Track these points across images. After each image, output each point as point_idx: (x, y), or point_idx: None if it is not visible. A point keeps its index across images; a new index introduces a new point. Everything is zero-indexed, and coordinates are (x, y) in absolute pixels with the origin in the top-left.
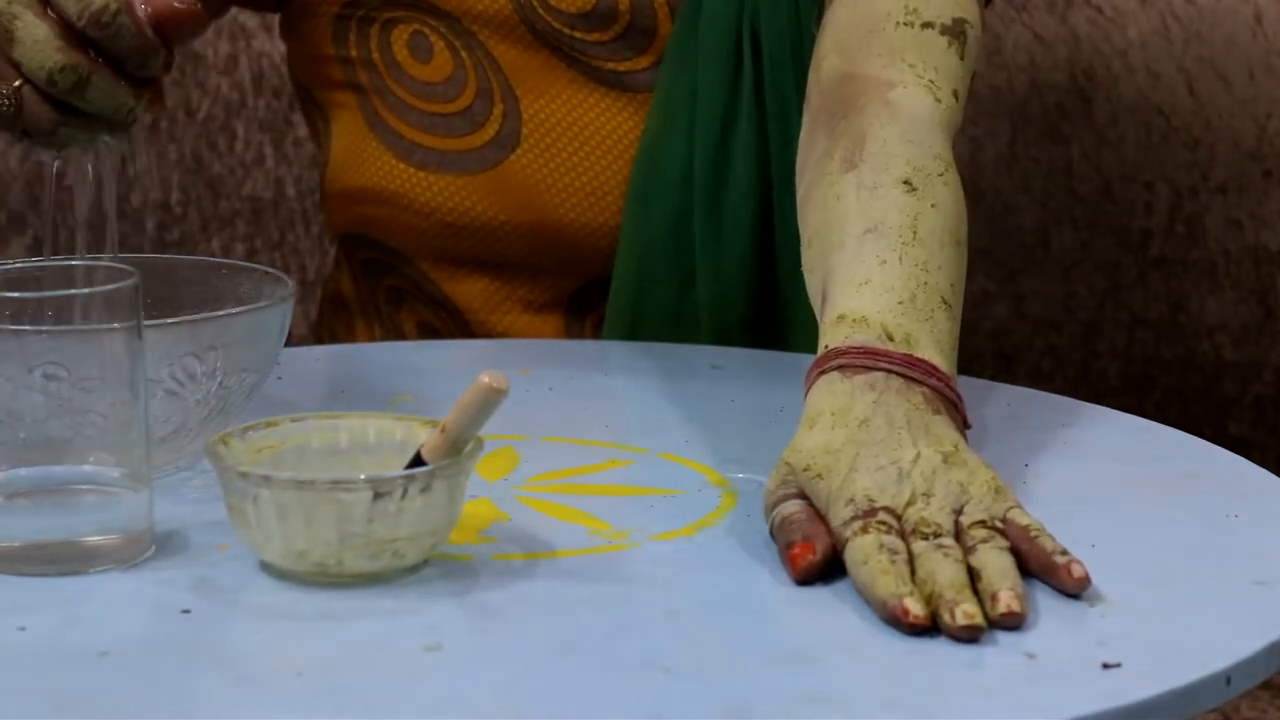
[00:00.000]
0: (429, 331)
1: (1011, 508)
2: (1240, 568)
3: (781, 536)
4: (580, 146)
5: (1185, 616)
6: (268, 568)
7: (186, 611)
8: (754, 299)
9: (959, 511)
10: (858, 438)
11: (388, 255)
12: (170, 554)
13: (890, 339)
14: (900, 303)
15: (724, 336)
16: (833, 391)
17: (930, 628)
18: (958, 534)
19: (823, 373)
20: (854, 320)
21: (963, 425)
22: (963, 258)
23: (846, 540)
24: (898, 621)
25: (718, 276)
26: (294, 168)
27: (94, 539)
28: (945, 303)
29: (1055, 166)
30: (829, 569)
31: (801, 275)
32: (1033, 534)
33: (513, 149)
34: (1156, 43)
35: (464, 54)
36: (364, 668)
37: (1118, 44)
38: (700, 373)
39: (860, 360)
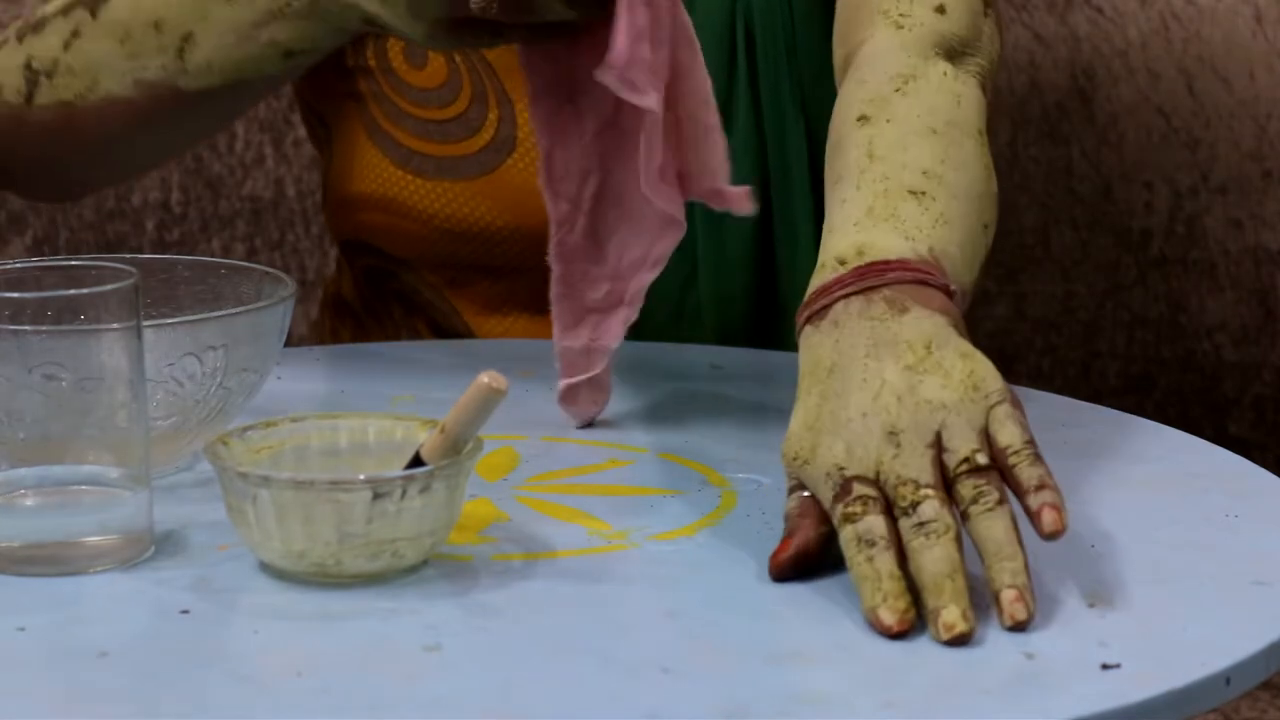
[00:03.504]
0: (435, 336)
1: (992, 408)
2: (1240, 568)
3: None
4: None
5: (1185, 616)
6: (267, 568)
7: (186, 611)
8: (756, 294)
9: (938, 446)
10: (828, 392)
11: (388, 262)
12: (170, 554)
13: (842, 264)
14: (855, 224)
15: (727, 333)
16: (808, 347)
17: (921, 621)
18: (947, 485)
19: (799, 337)
20: (815, 272)
21: (945, 296)
22: (949, 140)
23: (838, 529)
24: (881, 632)
25: (719, 273)
26: (294, 168)
27: (94, 539)
28: (914, 193)
29: (1055, 166)
30: (827, 565)
31: (800, 270)
32: (1010, 458)
33: (509, 153)
34: (1156, 43)
35: (458, 59)
36: (364, 668)
37: (1118, 44)
38: (700, 373)
39: (819, 303)
